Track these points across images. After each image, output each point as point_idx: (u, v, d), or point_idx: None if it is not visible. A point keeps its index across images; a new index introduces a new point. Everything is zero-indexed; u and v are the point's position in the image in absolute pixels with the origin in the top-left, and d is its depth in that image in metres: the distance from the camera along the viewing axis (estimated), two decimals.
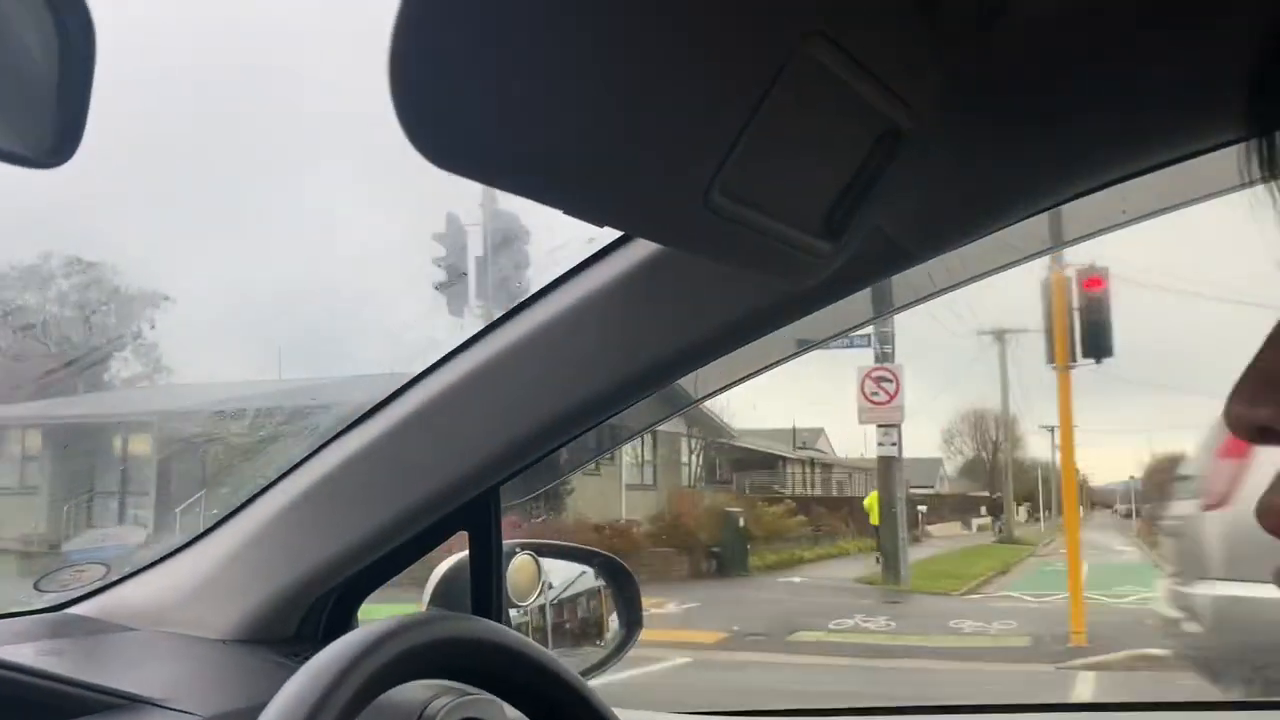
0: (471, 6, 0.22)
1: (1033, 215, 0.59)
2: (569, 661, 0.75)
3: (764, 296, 0.58)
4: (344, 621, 0.69)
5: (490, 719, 0.65)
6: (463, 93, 0.23)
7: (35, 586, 0.71)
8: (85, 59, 0.33)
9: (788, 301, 0.59)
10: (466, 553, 0.68)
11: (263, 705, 0.58)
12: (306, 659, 0.57)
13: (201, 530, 0.67)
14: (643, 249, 0.60)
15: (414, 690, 0.65)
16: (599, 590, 0.74)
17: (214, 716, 0.57)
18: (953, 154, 0.52)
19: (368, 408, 0.61)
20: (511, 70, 0.23)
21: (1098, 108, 0.49)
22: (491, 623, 0.58)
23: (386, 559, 0.66)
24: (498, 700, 0.67)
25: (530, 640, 0.57)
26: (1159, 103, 0.49)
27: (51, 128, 0.34)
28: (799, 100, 0.35)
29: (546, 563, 0.71)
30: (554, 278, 0.60)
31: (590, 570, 0.74)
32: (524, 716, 0.55)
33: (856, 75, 0.37)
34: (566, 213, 0.33)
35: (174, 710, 0.57)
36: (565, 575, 0.74)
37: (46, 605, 0.68)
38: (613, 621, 0.74)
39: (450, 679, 0.60)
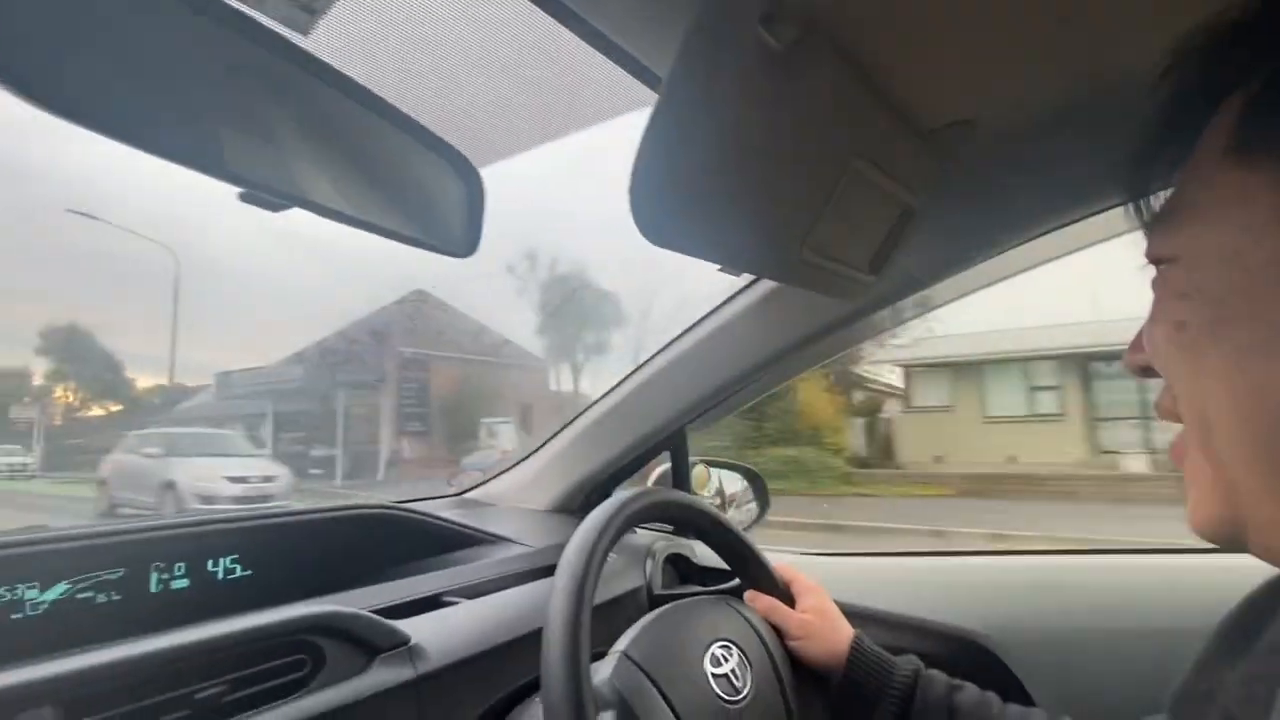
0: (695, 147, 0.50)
1: (990, 257, 1.02)
2: None
3: (826, 313, 1.06)
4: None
5: (689, 554, 1.16)
6: (685, 195, 0.57)
7: (448, 483, 1.32)
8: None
9: (841, 314, 1.06)
10: (668, 465, 1.21)
11: (566, 541, 1.11)
12: None
13: (533, 449, 1.25)
14: (750, 295, 1.10)
15: (643, 537, 1.17)
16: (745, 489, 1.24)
17: (540, 548, 1.04)
18: (942, 220, 0.79)
19: (631, 370, 1.16)
20: (722, 187, 0.52)
21: (1033, 187, 0.75)
22: (689, 495, 1.08)
23: (629, 465, 1.20)
24: (694, 544, 1.17)
25: (710, 506, 0.99)
26: (1072, 184, 0.74)
27: (462, 228, 0.80)
28: (853, 192, 0.59)
29: (714, 470, 1.23)
30: (708, 312, 1.13)
31: (738, 475, 1.25)
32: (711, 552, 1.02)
33: (884, 177, 0.60)
34: (735, 271, 0.79)
35: (519, 543, 1.05)
36: (726, 479, 1.25)
37: (453, 493, 1.29)
38: (751, 508, 1.24)
39: (667, 524, 1.01)
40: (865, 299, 0.85)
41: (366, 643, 0.64)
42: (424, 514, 1.00)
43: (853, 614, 0.82)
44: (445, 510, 1.09)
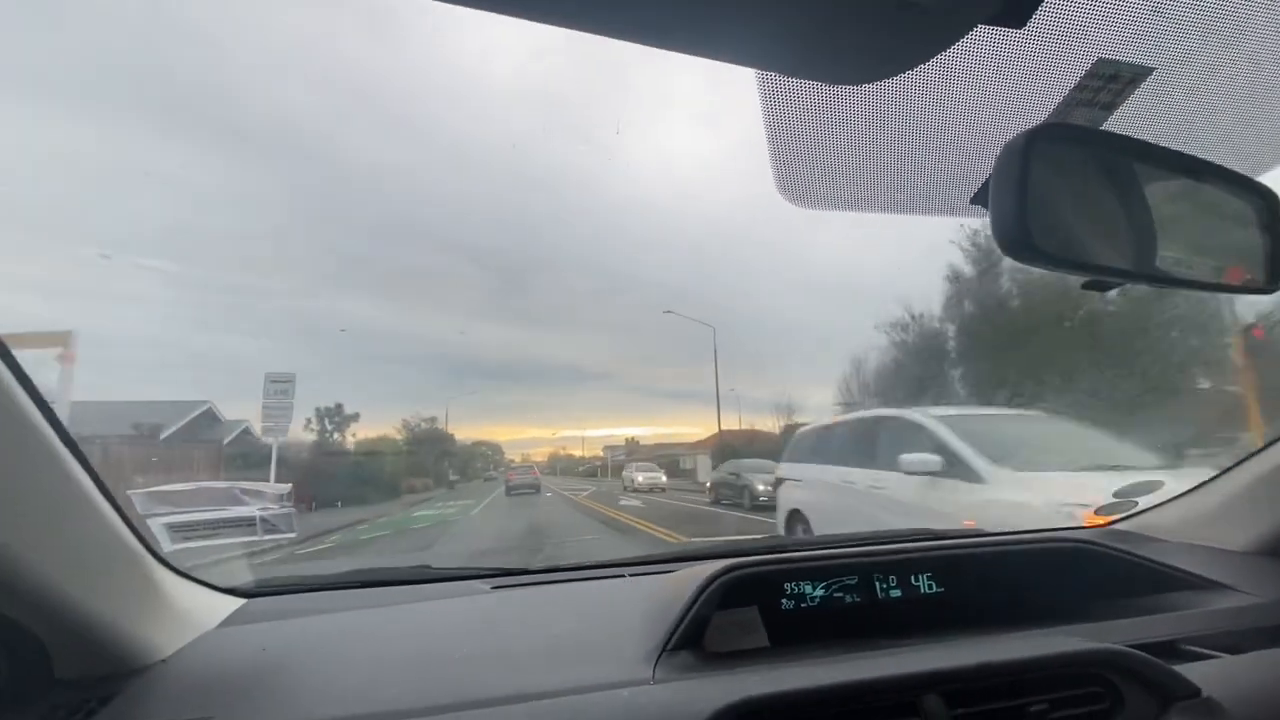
0: None
1: None
2: None
3: None
4: None
5: None
6: None
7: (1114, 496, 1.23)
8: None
9: None
10: None
11: None
12: None
13: (1209, 477, 1.06)
14: None
15: None
16: None
17: (1273, 601, 0.84)
18: None
19: None
20: None
21: None
22: None
23: None
24: None
25: None
26: None
27: (1266, 264, 0.69)
28: None
29: None
30: None
31: None
32: None
33: None
34: None
35: (1242, 591, 0.86)
36: None
37: (1099, 523, 1.19)
38: None
39: None
40: None
41: (1160, 688, 0.63)
42: (1126, 551, 0.94)
43: None
44: (1113, 542, 1.00)
